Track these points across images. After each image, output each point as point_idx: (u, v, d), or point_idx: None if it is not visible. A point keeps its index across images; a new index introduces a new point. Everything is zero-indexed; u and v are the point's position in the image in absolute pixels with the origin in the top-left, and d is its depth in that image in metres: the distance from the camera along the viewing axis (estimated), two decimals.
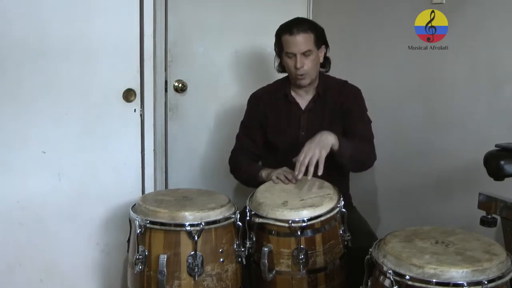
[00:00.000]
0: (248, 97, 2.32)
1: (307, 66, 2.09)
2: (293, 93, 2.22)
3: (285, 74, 2.23)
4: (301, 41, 2.06)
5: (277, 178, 2.01)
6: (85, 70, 2.09)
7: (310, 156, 1.83)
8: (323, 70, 2.24)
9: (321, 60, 2.17)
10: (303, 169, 1.83)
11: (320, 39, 2.13)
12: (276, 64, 2.24)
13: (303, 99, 2.21)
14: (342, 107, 2.17)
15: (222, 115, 2.77)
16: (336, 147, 1.91)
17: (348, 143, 1.95)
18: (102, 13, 2.08)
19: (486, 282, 1.32)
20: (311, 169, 1.82)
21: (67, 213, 2.13)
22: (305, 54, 2.07)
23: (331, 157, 2.15)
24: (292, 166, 2.14)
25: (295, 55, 2.07)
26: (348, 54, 2.65)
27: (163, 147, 2.62)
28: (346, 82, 2.24)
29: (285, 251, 1.78)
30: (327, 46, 2.18)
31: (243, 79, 2.78)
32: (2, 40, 1.95)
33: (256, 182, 2.04)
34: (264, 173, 2.08)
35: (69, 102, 2.08)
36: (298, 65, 2.07)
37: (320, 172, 1.83)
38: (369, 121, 2.20)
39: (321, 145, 1.86)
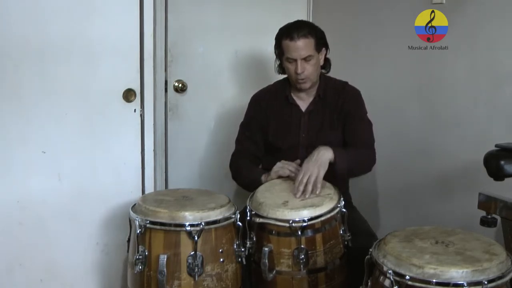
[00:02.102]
0: (248, 97, 2.31)
1: (308, 71, 2.09)
2: (293, 95, 2.21)
3: (285, 75, 2.23)
4: (301, 46, 2.05)
5: (279, 173, 2.02)
6: (85, 70, 2.09)
7: (308, 176, 1.86)
8: (323, 71, 2.23)
9: (322, 62, 2.17)
10: (302, 188, 1.85)
11: (321, 43, 2.12)
12: (276, 65, 2.24)
13: (303, 101, 2.21)
14: (342, 108, 2.17)
15: (222, 115, 2.77)
16: (333, 160, 1.95)
17: (344, 155, 1.97)
18: (102, 13, 2.08)
19: (486, 282, 1.33)
20: (309, 188, 1.85)
21: (67, 213, 2.13)
22: (305, 59, 2.07)
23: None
24: None
25: (295, 60, 2.07)
26: (348, 54, 2.65)
27: (163, 147, 2.62)
28: (346, 83, 2.24)
29: (285, 251, 1.78)
30: (327, 48, 2.18)
31: (243, 79, 2.78)
32: (3, 40, 1.95)
33: (257, 186, 2.04)
34: (264, 177, 2.08)
35: (69, 102, 2.08)
36: (299, 71, 2.07)
37: (318, 191, 1.85)
38: (370, 124, 2.19)
39: (319, 163, 1.90)
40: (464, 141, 2.21)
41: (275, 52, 2.19)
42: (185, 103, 2.69)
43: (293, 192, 1.90)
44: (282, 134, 2.20)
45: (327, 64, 2.22)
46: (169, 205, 1.80)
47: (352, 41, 2.69)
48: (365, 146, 2.13)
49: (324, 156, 1.93)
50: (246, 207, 1.88)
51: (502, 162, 1.57)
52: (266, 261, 1.74)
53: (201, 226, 1.71)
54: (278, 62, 2.21)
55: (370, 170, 2.14)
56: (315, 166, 1.89)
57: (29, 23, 1.98)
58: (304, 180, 1.86)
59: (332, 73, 2.28)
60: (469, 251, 1.43)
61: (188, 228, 1.71)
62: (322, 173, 1.88)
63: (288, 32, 2.07)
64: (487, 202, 1.66)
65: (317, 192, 1.84)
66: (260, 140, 2.25)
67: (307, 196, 1.84)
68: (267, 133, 2.23)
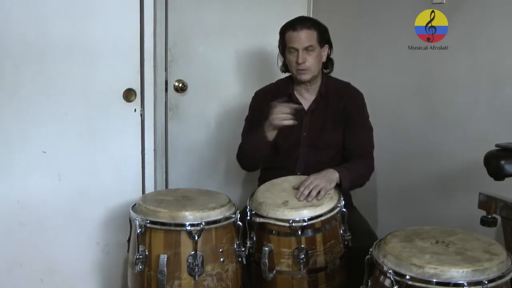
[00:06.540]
0: (248, 96, 2.31)
1: (309, 62, 2.09)
2: (296, 93, 2.22)
3: (288, 74, 2.23)
4: (303, 36, 2.07)
5: (278, 119, 2.00)
6: (86, 70, 2.09)
7: (315, 184, 1.88)
8: (326, 71, 2.24)
9: (324, 59, 2.17)
10: (306, 192, 1.86)
11: (323, 38, 2.13)
12: (280, 63, 2.24)
13: (306, 100, 2.21)
14: (344, 109, 2.17)
15: (222, 115, 2.77)
16: (338, 181, 1.98)
17: (348, 177, 1.99)
18: (102, 12, 2.08)
19: (486, 282, 1.33)
20: (314, 193, 1.85)
21: (67, 213, 2.13)
22: (307, 49, 2.08)
23: (331, 158, 2.16)
24: (290, 167, 2.16)
25: (297, 50, 2.08)
26: (348, 54, 2.65)
27: (163, 147, 2.62)
28: (349, 84, 2.24)
29: (285, 251, 1.78)
30: (330, 46, 2.19)
31: (243, 79, 2.78)
32: (3, 39, 1.95)
33: (264, 142, 2.04)
34: (266, 126, 2.05)
35: (69, 102, 2.08)
36: (300, 60, 2.08)
37: (320, 198, 1.85)
38: (371, 129, 2.19)
39: (328, 179, 1.93)
40: (464, 141, 2.21)
41: (278, 48, 2.19)
42: (185, 103, 2.69)
43: (293, 192, 1.90)
44: (283, 132, 2.19)
45: (329, 64, 2.23)
46: (170, 205, 1.80)
47: (352, 41, 2.69)
48: (364, 154, 2.14)
49: (332, 176, 1.96)
50: (246, 207, 1.88)
51: (502, 162, 1.57)
52: (266, 260, 1.74)
53: (201, 226, 1.71)
54: (282, 60, 2.22)
55: (369, 180, 2.15)
56: (323, 178, 1.91)
57: (29, 22, 1.98)
58: (311, 186, 1.86)
59: (333, 73, 2.28)
60: (469, 251, 1.43)
61: (189, 228, 1.71)
62: (328, 188, 1.90)
63: (292, 24, 2.11)
64: (487, 202, 1.66)
65: (319, 199, 1.85)
66: None
67: (309, 200, 1.84)
68: None
